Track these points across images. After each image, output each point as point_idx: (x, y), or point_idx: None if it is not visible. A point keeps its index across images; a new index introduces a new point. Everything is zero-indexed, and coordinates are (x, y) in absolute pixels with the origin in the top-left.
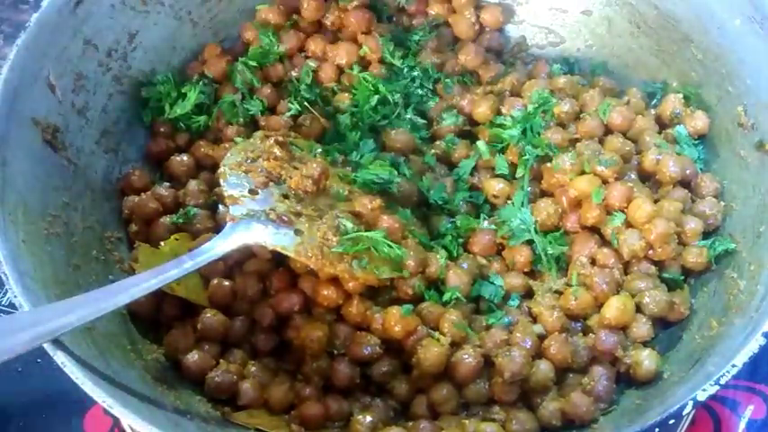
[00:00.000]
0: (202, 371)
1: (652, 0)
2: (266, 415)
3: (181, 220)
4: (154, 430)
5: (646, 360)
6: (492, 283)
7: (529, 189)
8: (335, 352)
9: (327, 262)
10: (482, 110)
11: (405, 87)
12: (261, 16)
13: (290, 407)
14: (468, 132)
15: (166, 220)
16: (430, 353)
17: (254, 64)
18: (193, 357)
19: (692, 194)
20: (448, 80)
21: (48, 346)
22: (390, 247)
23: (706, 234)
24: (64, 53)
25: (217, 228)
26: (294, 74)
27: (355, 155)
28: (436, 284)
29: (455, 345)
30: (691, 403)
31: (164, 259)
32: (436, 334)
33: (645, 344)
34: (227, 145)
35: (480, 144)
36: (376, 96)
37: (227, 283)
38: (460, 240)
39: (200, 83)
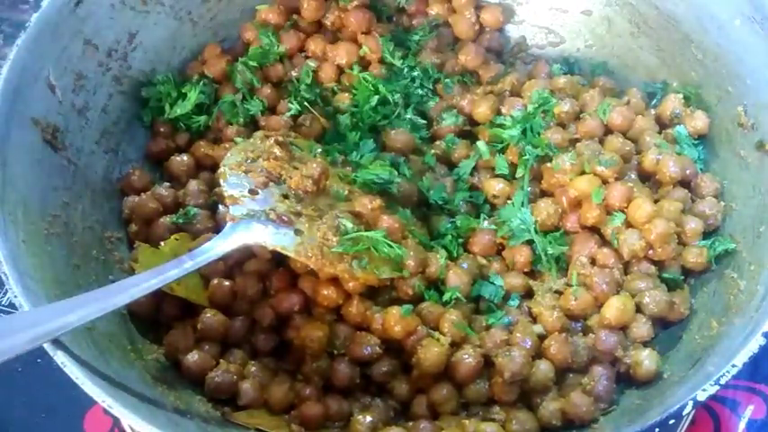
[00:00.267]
0: (202, 371)
1: (652, 0)
2: (266, 415)
3: (181, 220)
4: (154, 430)
5: (646, 360)
6: (492, 283)
7: (529, 189)
8: (335, 352)
9: (327, 262)
10: (482, 110)
11: (405, 87)
12: (261, 16)
13: (290, 407)
14: (469, 132)
15: (166, 220)
16: (430, 353)
17: (254, 64)
18: (193, 357)
19: (692, 194)
20: (448, 80)
21: (48, 346)
22: (390, 246)
23: (706, 234)
24: (64, 53)
25: (217, 228)
26: (294, 74)
27: (355, 155)
28: (436, 284)
29: (455, 345)
30: (691, 403)
31: (164, 259)
32: (436, 334)
33: (645, 344)
34: (227, 145)
35: (480, 144)
36: (376, 96)
37: (227, 283)
38: (460, 240)
39: (201, 83)
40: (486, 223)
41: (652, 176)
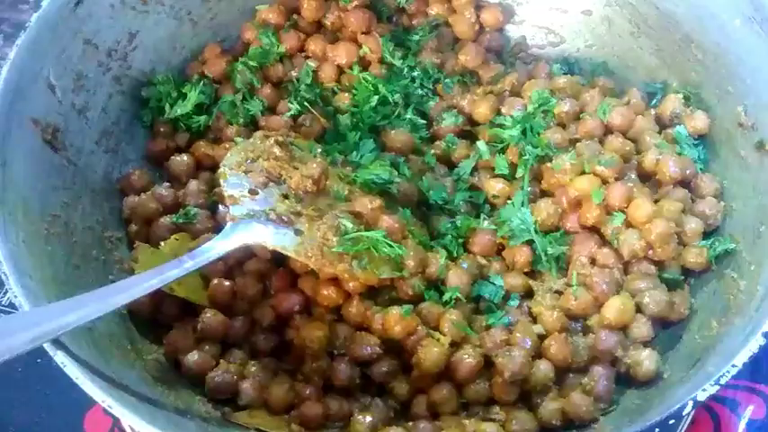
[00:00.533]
0: (202, 371)
1: (652, 0)
2: (266, 415)
3: (181, 220)
4: (154, 430)
5: (646, 360)
6: (492, 283)
7: (529, 189)
8: (335, 352)
9: (327, 262)
10: (482, 110)
11: (405, 87)
12: (261, 16)
13: (290, 407)
14: (469, 132)
15: (166, 220)
16: (430, 353)
17: (254, 64)
18: (193, 357)
19: (692, 194)
20: (448, 80)
21: (48, 346)
22: (390, 246)
23: (706, 234)
24: (64, 53)
25: (217, 228)
26: (294, 74)
27: (355, 155)
28: (436, 284)
29: (455, 345)
30: (691, 403)
31: (164, 259)
32: (436, 334)
33: (645, 344)
34: (227, 145)
35: (480, 144)
36: (376, 96)
37: (227, 283)
38: (460, 240)
39: (201, 83)
40: (486, 223)
41: (652, 176)
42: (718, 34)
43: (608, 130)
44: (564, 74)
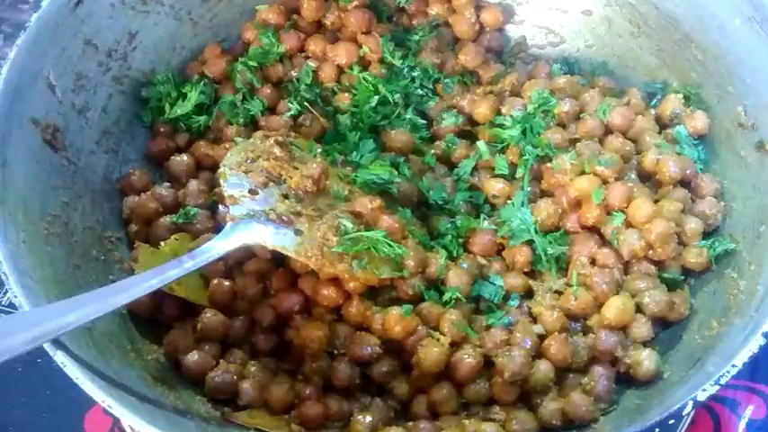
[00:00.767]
0: (202, 371)
1: (652, 0)
2: (266, 415)
3: (181, 220)
4: (154, 430)
5: (646, 360)
6: (492, 283)
7: (529, 189)
8: (335, 352)
9: (327, 262)
10: (482, 110)
11: (405, 87)
12: (261, 16)
13: (290, 407)
14: (469, 132)
15: (166, 220)
16: (430, 353)
17: (254, 64)
18: (193, 357)
19: (692, 194)
20: (448, 80)
21: (48, 346)
22: (390, 246)
23: (706, 234)
24: (64, 53)
25: (217, 228)
26: (294, 74)
27: (355, 155)
28: (436, 284)
29: (455, 345)
30: (691, 403)
31: (164, 259)
32: (436, 334)
33: (645, 344)
34: (227, 145)
35: (480, 144)
36: (376, 96)
37: (227, 283)
38: (460, 240)
39: (201, 83)
40: (486, 223)
41: (652, 176)
42: (718, 34)
43: (608, 130)
44: (564, 74)
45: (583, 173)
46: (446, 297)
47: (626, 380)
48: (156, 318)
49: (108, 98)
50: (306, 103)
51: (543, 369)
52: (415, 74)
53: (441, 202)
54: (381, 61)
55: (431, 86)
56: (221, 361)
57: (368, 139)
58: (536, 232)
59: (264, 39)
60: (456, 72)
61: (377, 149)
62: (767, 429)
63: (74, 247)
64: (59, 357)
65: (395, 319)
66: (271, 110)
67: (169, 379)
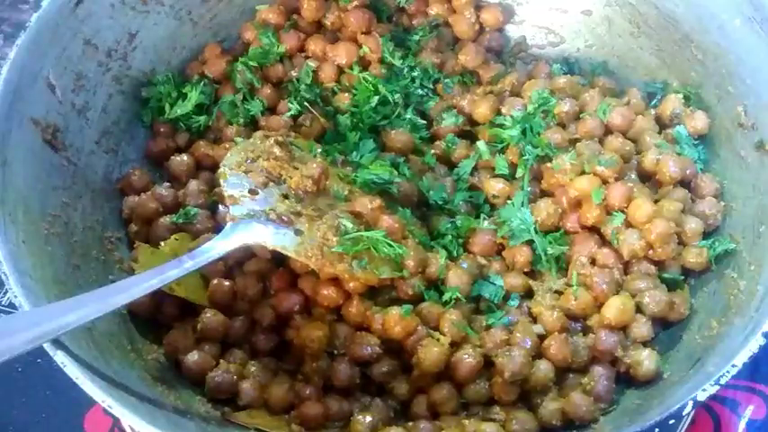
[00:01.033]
0: (202, 371)
1: (652, 0)
2: (266, 415)
3: (181, 220)
4: (154, 430)
5: (646, 360)
6: (492, 283)
7: (529, 189)
8: (335, 352)
9: (327, 262)
10: (482, 110)
11: (405, 87)
12: (261, 16)
13: (290, 407)
14: (469, 132)
15: (166, 220)
16: (430, 353)
17: (254, 64)
18: (193, 357)
19: (692, 194)
20: (448, 80)
21: (48, 346)
22: (390, 246)
23: (706, 234)
24: (64, 53)
25: (217, 228)
26: (294, 74)
27: (355, 155)
28: (436, 284)
29: (455, 345)
30: (691, 403)
31: (164, 259)
32: (436, 334)
33: (645, 344)
34: (227, 145)
35: (480, 144)
36: (376, 96)
37: (227, 283)
38: (460, 240)
39: (201, 83)
40: (486, 223)
41: (652, 176)
42: (718, 34)
43: (608, 130)
44: (564, 74)
45: (583, 173)
46: (446, 297)
47: (626, 380)
48: (156, 318)
49: (108, 98)
50: (306, 103)
51: (543, 369)
52: (415, 74)
53: (441, 203)
54: (381, 61)
55: (431, 86)
56: (221, 361)
57: (368, 139)
58: (536, 232)
59: (264, 39)
60: (456, 72)
61: (377, 149)
62: (767, 429)
63: (74, 247)
64: (59, 357)
65: (395, 319)
66: (271, 110)
67: (169, 379)
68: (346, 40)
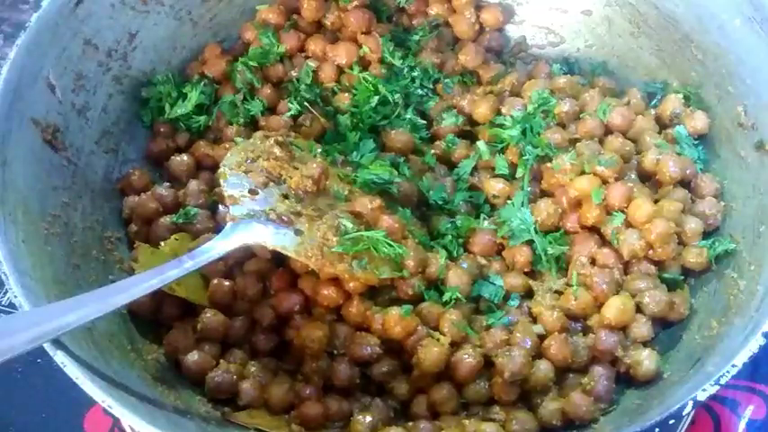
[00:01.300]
0: (202, 371)
1: (652, 0)
2: (266, 415)
3: (181, 220)
4: (154, 430)
5: (646, 360)
6: (492, 283)
7: (529, 189)
8: (335, 352)
9: (327, 262)
10: (482, 110)
11: (405, 87)
12: (261, 16)
13: (290, 407)
14: (469, 132)
15: (166, 220)
16: (430, 353)
17: (254, 64)
18: (193, 357)
19: (692, 194)
20: (448, 80)
21: (48, 346)
22: (390, 246)
23: (706, 234)
24: (64, 53)
25: (217, 228)
26: (294, 74)
27: (355, 155)
28: (436, 284)
29: (455, 345)
30: (691, 403)
31: (164, 259)
32: (436, 334)
33: (645, 344)
34: (227, 145)
35: (480, 144)
36: (376, 96)
37: (227, 283)
38: (460, 240)
39: (201, 83)
40: (486, 223)
41: (652, 176)
42: (718, 34)
43: (608, 130)
44: (564, 74)
45: (583, 173)
46: (446, 297)
47: (626, 380)
48: (156, 318)
49: (108, 98)
50: (306, 103)
51: (543, 369)
52: (415, 74)
53: (441, 203)
54: (381, 61)
55: (431, 86)
56: (221, 361)
57: (368, 140)
58: (536, 232)
59: (264, 39)
60: (456, 72)
61: (377, 149)
62: (767, 429)
63: (74, 247)
64: (59, 357)
65: (395, 320)
66: (271, 110)
67: (169, 379)
68: (346, 40)
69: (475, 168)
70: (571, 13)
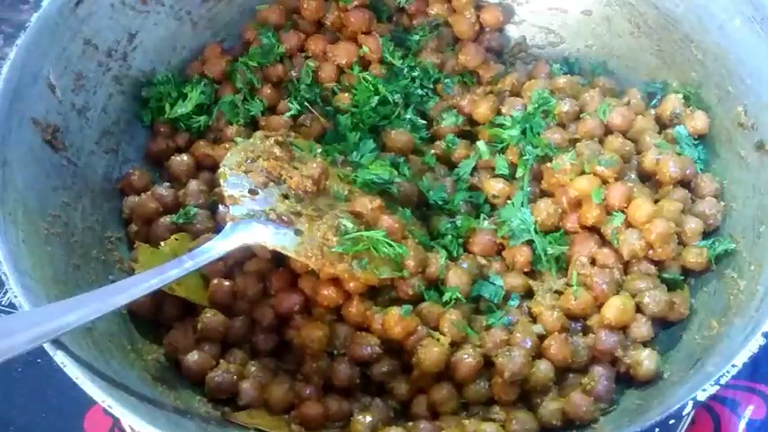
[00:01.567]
0: (202, 371)
1: (652, 0)
2: (266, 415)
3: (181, 220)
4: (154, 430)
5: (646, 360)
6: (492, 283)
7: (529, 189)
8: (335, 352)
9: (327, 262)
10: (482, 110)
11: (405, 87)
12: (261, 16)
13: (290, 407)
14: (469, 132)
15: (166, 220)
16: (430, 353)
17: (254, 64)
18: (193, 357)
19: (692, 194)
20: (448, 80)
21: (48, 346)
22: (390, 246)
23: (706, 234)
24: (64, 53)
25: (217, 228)
26: (294, 74)
27: (355, 155)
28: (436, 284)
29: (455, 345)
30: (691, 403)
31: (164, 259)
32: (436, 334)
33: (645, 344)
34: (227, 145)
35: (480, 144)
36: (376, 96)
37: (227, 283)
38: (460, 240)
39: (201, 83)
40: (486, 223)
41: (652, 176)
42: (718, 34)
43: (608, 130)
44: (564, 74)
45: (583, 173)
46: (446, 297)
47: (626, 380)
48: (156, 318)
49: (108, 98)
50: (306, 103)
51: (543, 369)
52: (415, 74)
53: (441, 203)
54: (381, 61)
55: (431, 86)
56: (221, 361)
57: (368, 140)
58: (536, 232)
59: (264, 39)
60: (456, 72)
61: (377, 149)
62: (767, 429)
63: (74, 247)
64: (59, 357)
65: (395, 320)
66: (271, 110)
67: (169, 379)
68: (346, 40)
69: (475, 168)
70: (571, 13)
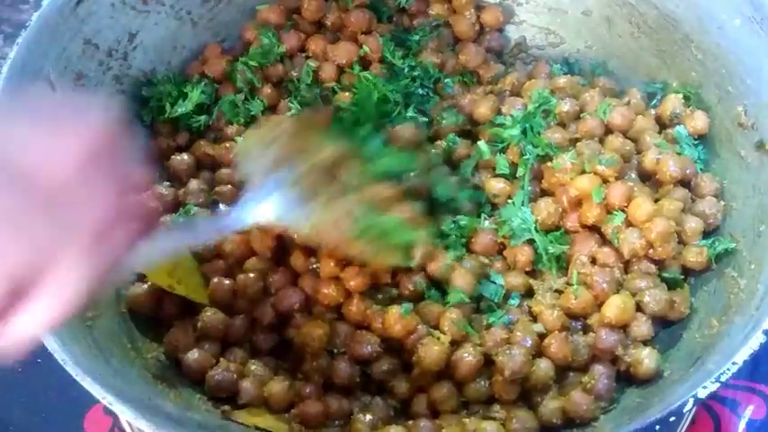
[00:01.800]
0: (202, 369)
1: (652, 0)
2: (266, 413)
3: (181, 220)
4: (153, 428)
5: (646, 359)
6: (493, 282)
7: (529, 188)
8: (336, 350)
9: (341, 244)
10: (482, 110)
11: (405, 87)
12: (261, 16)
13: (290, 405)
14: (469, 132)
15: (166, 219)
16: (430, 351)
17: (254, 64)
18: (193, 356)
19: (692, 194)
20: (448, 80)
21: (46, 342)
22: (405, 231)
23: (706, 234)
24: (64, 53)
25: None
26: (294, 74)
27: (365, 149)
28: (437, 283)
29: (455, 343)
30: (691, 401)
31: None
32: (436, 333)
33: (645, 343)
34: (227, 144)
35: (481, 144)
36: (376, 93)
37: (227, 281)
38: (463, 240)
39: (202, 83)
40: (487, 223)
41: (652, 176)
42: (718, 34)
43: (608, 130)
44: (564, 74)
45: (583, 172)
46: (451, 299)
47: (626, 378)
48: (156, 316)
49: (108, 98)
50: (306, 103)
51: (543, 368)
52: (415, 74)
53: (447, 198)
54: (382, 61)
55: (431, 86)
56: (221, 359)
57: (375, 134)
58: (537, 231)
59: (265, 39)
60: (456, 72)
61: (385, 143)
62: (767, 429)
63: None
64: (59, 355)
65: (395, 318)
66: (271, 109)
67: (169, 377)
68: (346, 40)
69: (476, 168)
70: (571, 13)
